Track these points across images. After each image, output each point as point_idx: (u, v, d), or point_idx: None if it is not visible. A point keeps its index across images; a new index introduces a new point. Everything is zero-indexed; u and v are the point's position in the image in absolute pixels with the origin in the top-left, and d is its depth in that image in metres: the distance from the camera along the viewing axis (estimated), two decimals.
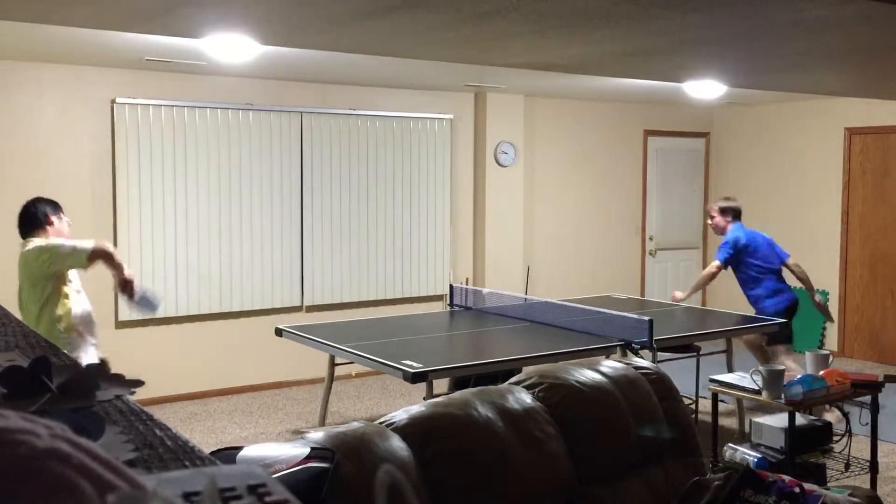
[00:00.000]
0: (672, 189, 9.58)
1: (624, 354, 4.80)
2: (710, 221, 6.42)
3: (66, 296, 4.22)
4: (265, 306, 7.16)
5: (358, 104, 7.54)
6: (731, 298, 9.38)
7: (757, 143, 9.35)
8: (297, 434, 4.10)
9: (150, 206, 6.61)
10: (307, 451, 2.19)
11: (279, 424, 6.26)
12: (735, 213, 6.27)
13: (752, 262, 6.14)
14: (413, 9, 3.28)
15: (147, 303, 4.29)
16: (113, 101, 6.48)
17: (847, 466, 4.29)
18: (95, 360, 4.06)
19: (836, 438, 4.25)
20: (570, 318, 5.66)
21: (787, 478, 2.89)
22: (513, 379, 3.14)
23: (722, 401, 4.87)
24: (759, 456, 3.96)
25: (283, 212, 7.23)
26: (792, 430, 3.97)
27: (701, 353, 5.85)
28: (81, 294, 4.36)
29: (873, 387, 4.33)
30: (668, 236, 9.56)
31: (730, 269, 6.24)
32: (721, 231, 6.29)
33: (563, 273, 8.75)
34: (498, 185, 8.22)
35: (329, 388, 5.67)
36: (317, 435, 2.37)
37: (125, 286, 4.26)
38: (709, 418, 4.65)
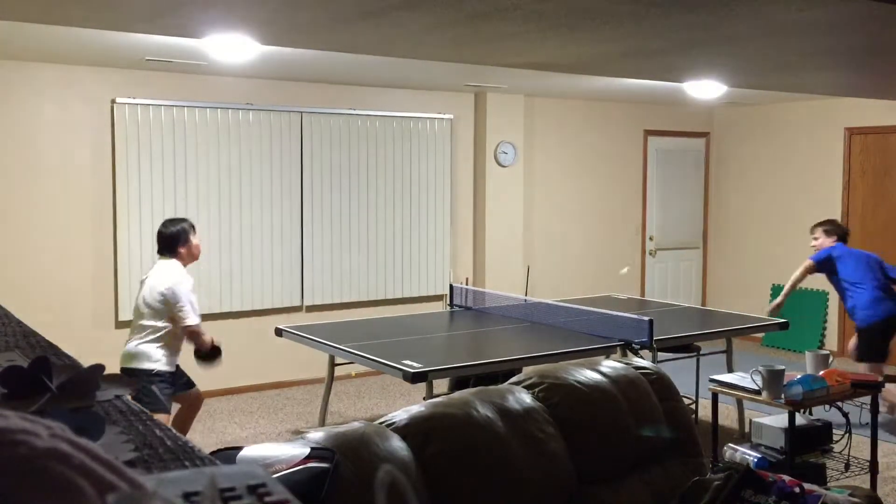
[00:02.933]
0: (672, 189, 9.57)
1: (624, 354, 4.80)
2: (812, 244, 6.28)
3: None
4: (265, 306, 7.16)
5: (358, 104, 7.53)
6: (731, 298, 9.39)
7: (757, 143, 9.35)
8: (297, 434, 4.10)
9: (150, 206, 6.61)
10: (307, 451, 2.19)
11: (279, 424, 6.26)
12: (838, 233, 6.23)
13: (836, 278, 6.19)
14: (413, 9, 3.28)
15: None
16: (113, 101, 6.48)
17: (847, 466, 4.29)
18: None
19: (836, 438, 4.25)
20: (570, 318, 5.66)
21: (787, 478, 2.89)
22: (513, 379, 3.14)
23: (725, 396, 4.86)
24: (759, 456, 3.96)
25: (283, 212, 7.23)
26: (792, 430, 3.97)
27: (701, 353, 5.85)
28: None
29: (873, 387, 4.34)
30: (668, 236, 9.56)
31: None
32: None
33: (563, 273, 8.75)
34: (498, 185, 8.22)
35: (329, 388, 5.67)
36: (317, 435, 2.37)
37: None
38: (709, 418, 4.65)
